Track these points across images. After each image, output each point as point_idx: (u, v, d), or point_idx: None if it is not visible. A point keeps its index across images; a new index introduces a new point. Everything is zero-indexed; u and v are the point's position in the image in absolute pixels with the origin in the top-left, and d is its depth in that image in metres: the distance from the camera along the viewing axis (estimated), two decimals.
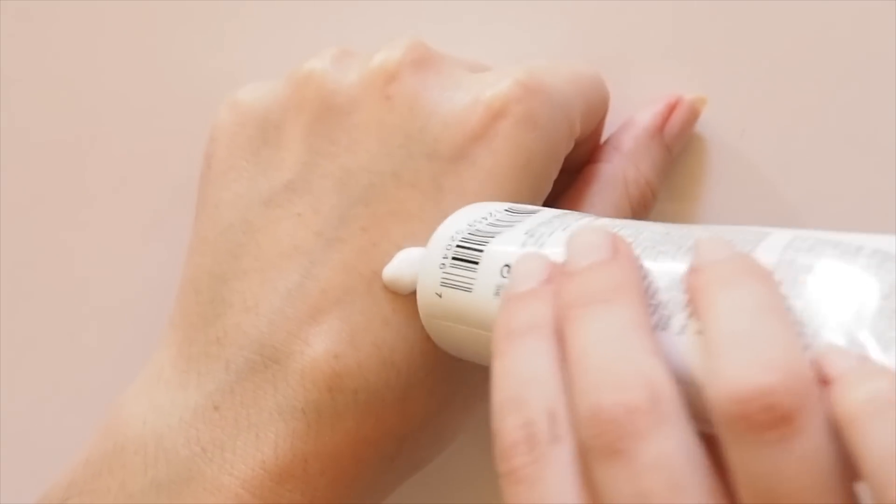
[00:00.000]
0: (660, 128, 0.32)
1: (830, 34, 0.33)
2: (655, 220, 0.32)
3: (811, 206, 0.33)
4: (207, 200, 0.29)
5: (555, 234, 0.24)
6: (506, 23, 0.34)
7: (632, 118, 0.32)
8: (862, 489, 0.18)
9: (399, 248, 0.26)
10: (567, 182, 0.31)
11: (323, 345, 0.25)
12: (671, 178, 0.32)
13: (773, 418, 0.18)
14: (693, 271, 0.21)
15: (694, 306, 0.20)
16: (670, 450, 0.18)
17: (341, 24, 0.34)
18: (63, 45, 0.35)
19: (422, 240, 0.26)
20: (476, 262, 0.24)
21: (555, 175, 0.29)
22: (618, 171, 0.31)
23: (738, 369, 0.18)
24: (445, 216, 0.26)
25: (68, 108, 0.35)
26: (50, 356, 0.34)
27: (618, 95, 0.32)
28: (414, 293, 0.26)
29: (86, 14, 0.35)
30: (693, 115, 0.32)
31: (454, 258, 0.25)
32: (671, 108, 0.32)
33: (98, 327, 0.34)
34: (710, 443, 0.19)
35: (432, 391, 0.26)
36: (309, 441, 0.25)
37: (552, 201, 0.31)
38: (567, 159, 0.31)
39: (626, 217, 0.31)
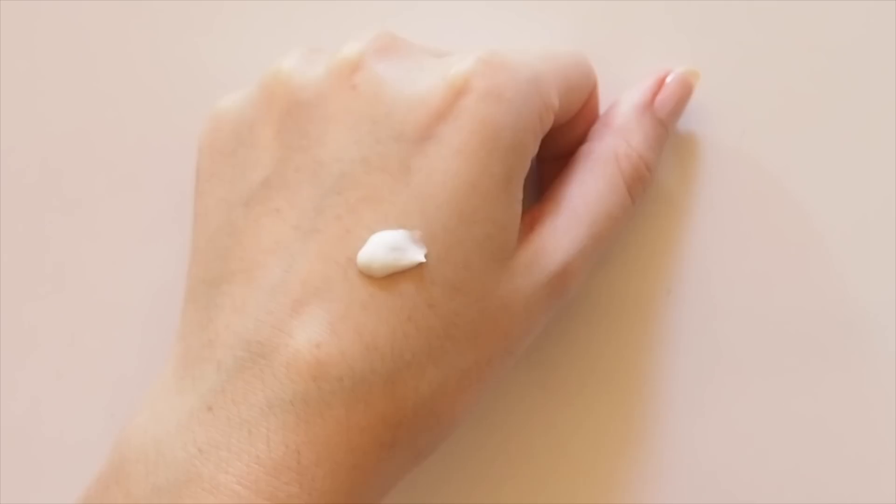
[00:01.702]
0: (650, 102, 0.31)
1: (831, 33, 0.33)
2: (654, 216, 0.32)
3: (811, 206, 0.32)
4: (197, 210, 0.29)
5: None
6: (501, 20, 0.34)
7: (621, 96, 0.32)
8: None
9: (372, 232, 0.26)
10: (562, 165, 0.31)
11: (305, 335, 0.26)
12: (670, 179, 0.32)
13: None
14: None
15: None
16: None
17: (340, 30, 0.34)
18: (65, 46, 0.35)
19: (394, 223, 0.26)
20: None
21: (532, 152, 0.28)
22: (608, 147, 0.31)
23: None
24: (416, 197, 0.26)
25: (69, 110, 0.35)
26: (52, 358, 0.34)
27: (616, 92, 0.32)
28: (390, 276, 0.26)
29: (87, 15, 0.35)
30: (686, 89, 0.32)
31: None
32: (661, 82, 0.32)
33: (100, 332, 0.34)
34: None
35: (421, 374, 0.26)
36: (300, 432, 0.25)
37: (546, 184, 0.31)
38: (561, 143, 0.31)
39: (621, 193, 0.30)
